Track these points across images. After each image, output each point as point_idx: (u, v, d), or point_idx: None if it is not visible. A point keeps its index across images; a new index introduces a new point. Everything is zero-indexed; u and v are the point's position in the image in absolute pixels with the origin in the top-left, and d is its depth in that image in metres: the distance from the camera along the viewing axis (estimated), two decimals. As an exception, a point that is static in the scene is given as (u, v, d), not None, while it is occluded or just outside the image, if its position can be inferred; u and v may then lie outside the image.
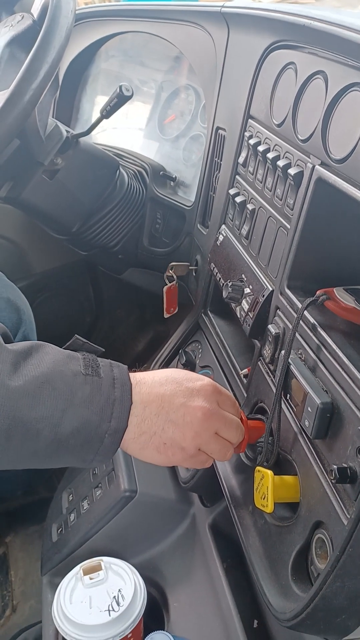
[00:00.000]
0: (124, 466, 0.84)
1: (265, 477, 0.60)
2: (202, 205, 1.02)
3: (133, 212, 1.16)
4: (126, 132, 1.32)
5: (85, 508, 0.86)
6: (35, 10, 0.93)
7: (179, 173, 1.16)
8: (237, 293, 0.77)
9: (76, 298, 1.56)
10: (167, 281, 1.04)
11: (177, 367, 1.01)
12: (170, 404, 0.58)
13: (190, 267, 1.03)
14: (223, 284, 0.82)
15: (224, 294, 0.79)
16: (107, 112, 0.97)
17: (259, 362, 0.74)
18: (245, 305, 0.76)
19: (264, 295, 0.71)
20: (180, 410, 0.58)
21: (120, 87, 0.93)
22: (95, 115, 1.41)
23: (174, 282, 1.04)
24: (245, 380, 0.81)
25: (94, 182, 1.08)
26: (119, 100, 0.94)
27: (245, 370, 0.82)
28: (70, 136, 1.02)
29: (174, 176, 1.15)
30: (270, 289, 0.71)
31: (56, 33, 0.82)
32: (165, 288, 1.04)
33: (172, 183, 1.16)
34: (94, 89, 1.39)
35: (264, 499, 0.60)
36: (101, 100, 1.37)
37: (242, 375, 0.83)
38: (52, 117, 1.07)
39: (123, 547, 0.83)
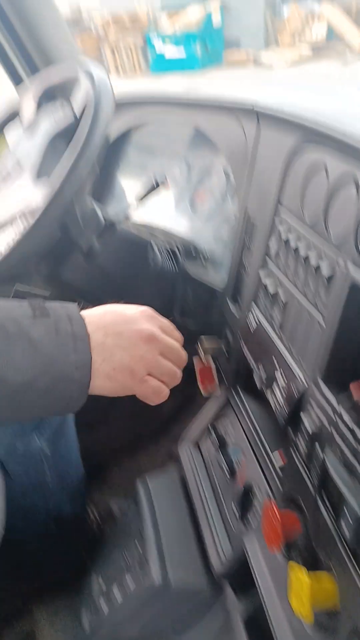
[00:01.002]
0: (155, 553, 0.84)
1: (302, 584, 0.59)
2: (233, 284, 1.05)
3: (165, 288, 1.19)
4: (158, 210, 1.37)
5: (115, 596, 0.85)
6: (76, 103, 0.99)
7: (211, 251, 1.20)
8: (270, 380, 0.78)
9: None
10: (200, 355, 1.06)
11: (207, 446, 1.01)
12: (114, 331, 0.59)
13: (221, 344, 1.05)
14: (255, 368, 0.83)
15: (256, 380, 0.80)
16: (142, 199, 1.01)
17: (292, 453, 0.74)
18: (278, 393, 0.76)
19: (297, 387, 0.72)
20: (124, 334, 0.60)
21: (155, 176, 0.98)
22: (129, 194, 1.48)
23: (205, 357, 1.06)
24: (279, 470, 0.81)
25: (128, 263, 1.12)
26: (153, 188, 0.99)
27: (277, 455, 0.82)
28: (107, 221, 1.06)
29: (205, 254, 1.19)
30: (304, 380, 0.72)
31: (95, 130, 0.87)
32: (196, 361, 1.06)
33: (203, 260, 1.19)
34: (127, 168, 1.46)
35: (301, 604, 0.59)
36: (136, 180, 1.44)
37: (274, 462, 0.83)
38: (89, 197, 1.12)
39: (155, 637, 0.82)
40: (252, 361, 0.84)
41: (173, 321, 1.21)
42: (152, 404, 0.66)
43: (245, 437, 0.91)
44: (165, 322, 0.67)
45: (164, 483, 0.97)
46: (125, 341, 0.59)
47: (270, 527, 0.68)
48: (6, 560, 0.96)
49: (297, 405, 0.72)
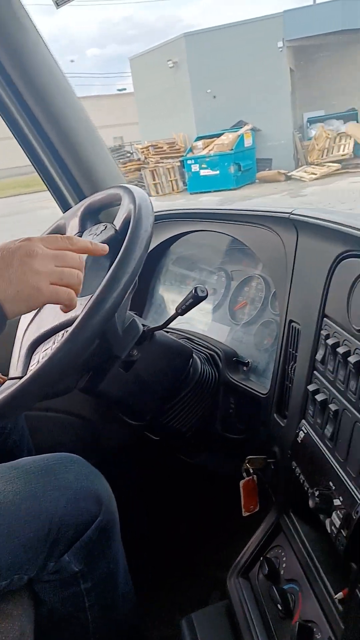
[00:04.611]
0: None
1: None
2: (277, 394, 1.00)
3: (205, 397, 1.14)
4: (197, 317, 1.37)
5: None
6: (118, 222, 1.03)
7: (252, 358, 1.16)
8: (326, 503, 0.71)
9: (141, 475, 1.50)
10: (244, 474, 0.99)
11: (258, 578, 0.91)
12: (3, 263, 0.67)
13: (268, 460, 0.98)
14: (308, 490, 0.76)
15: (311, 504, 0.72)
16: (183, 310, 1.01)
17: (357, 590, 0.64)
18: (336, 519, 0.68)
19: (357, 512, 0.64)
20: (12, 260, 0.68)
21: (196, 288, 0.97)
22: (168, 301, 1.50)
23: (252, 476, 0.98)
24: (340, 607, 0.71)
25: (167, 371, 1.10)
26: (194, 300, 0.98)
27: (340, 594, 0.72)
28: (147, 330, 1.05)
29: (246, 361, 1.16)
30: (366, 505, 0.64)
31: (137, 246, 0.88)
32: (242, 482, 0.99)
33: (245, 368, 1.16)
34: (167, 278, 1.48)
35: None
36: (175, 289, 1.46)
37: (336, 600, 0.73)
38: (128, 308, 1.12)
39: None
40: (306, 483, 0.77)
41: (215, 434, 1.16)
42: (66, 309, 0.74)
43: (301, 569, 0.81)
44: (48, 237, 0.74)
45: (211, 621, 0.86)
46: (16, 265, 0.67)
47: None
48: None
49: (358, 533, 0.64)
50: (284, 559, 0.87)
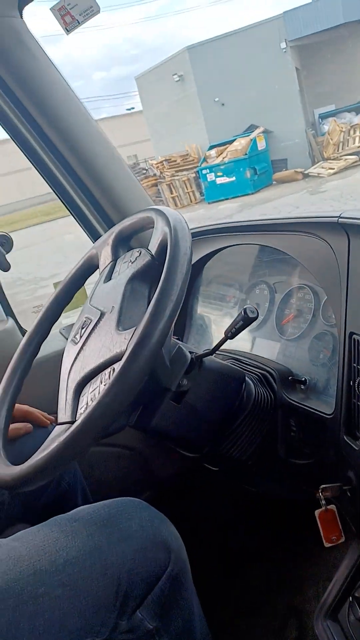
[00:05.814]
0: None
1: None
2: (345, 414, 0.92)
3: (263, 421, 1.07)
4: (242, 334, 1.29)
5: None
6: (153, 247, 0.97)
7: (309, 375, 1.09)
8: None
9: (202, 508, 1.41)
10: (321, 503, 0.91)
11: (349, 620, 0.82)
12: None
13: (344, 487, 0.90)
14: None
15: None
16: (232, 333, 0.94)
17: None
18: None
19: None
20: None
21: (245, 309, 0.91)
22: (209, 321, 1.43)
23: (328, 505, 0.90)
24: None
25: (221, 398, 1.03)
26: (245, 322, 0.92)
27: None
28: (195, 357, 0.99)
29: (303, 379, 1.08)
30: None
31: (178, 272, 0.82)
32: (317, 513, 0.91)
33: (302, 387, 1.08)
34: (206, 297, 1.42)
35: None
36: (215, 307, 1.39)
37: None
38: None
39: None
40: None
41: (279, 460, 1.08)
42: None
43: None
44: None
45: None
46: None
47: None
48: None
49: None
50: (377, 598, 0.79)
